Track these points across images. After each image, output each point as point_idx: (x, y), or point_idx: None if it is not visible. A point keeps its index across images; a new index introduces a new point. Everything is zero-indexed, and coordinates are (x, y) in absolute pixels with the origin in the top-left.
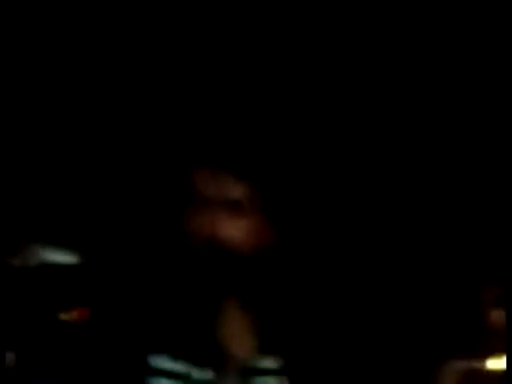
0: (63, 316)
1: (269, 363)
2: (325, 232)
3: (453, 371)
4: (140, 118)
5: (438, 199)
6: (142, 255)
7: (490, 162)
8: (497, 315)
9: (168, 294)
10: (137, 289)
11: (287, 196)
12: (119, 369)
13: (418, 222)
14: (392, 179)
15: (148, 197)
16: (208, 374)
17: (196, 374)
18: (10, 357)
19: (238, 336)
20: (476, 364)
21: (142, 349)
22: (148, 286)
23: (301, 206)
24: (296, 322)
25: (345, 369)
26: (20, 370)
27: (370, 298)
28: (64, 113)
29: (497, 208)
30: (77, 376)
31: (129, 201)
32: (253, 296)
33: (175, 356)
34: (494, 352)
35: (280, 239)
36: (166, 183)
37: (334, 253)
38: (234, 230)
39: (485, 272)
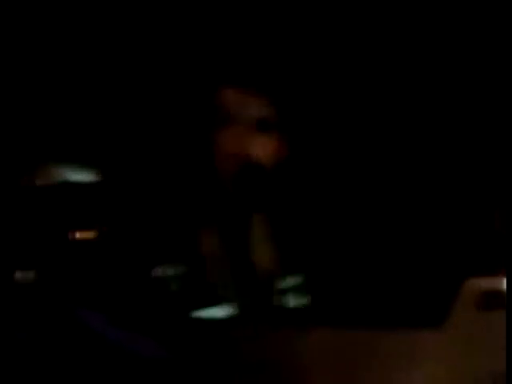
0: (78, 234)
1: (291, 281)
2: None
3: (470, 290)
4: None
5: None
6: (162, 175)
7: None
8: None
9: (190, 213)
10: (155, 208)
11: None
12: (130, 286)
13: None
14: None
15: (174, 117)
16: (231, 292)
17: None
18: (29, 275)
19: (263, 253)
20: (495, 283)
21: (153, 264)
22: (167, 204)
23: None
24: (316, 239)
25: (361, 287)
26: (39, 288)
27: (383, 213)
28: None
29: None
30: (90, 293)
31: (154, 121)
32: (276, 212)
33: (193, 272)
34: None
35: (293, 155)
36: (192, 104)
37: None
38: (261, 147)
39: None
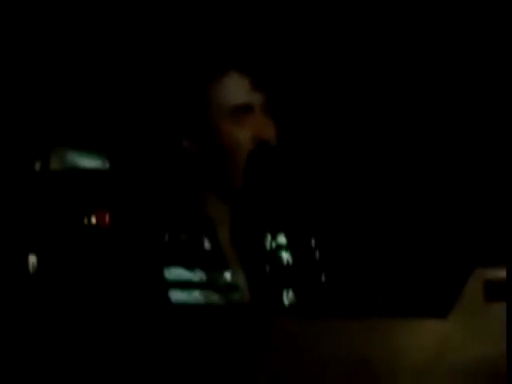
0: (85, 219)
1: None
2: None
3: (478, 279)
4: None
5: None
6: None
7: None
8: None
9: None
10: (161, 195)
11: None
12: (136, 278)
13: None
14: None
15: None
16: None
17: (211, 279)
18: (32, 259)
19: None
20: (502, 273)
21: (158, 260)
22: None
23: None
24: (325, 230)
25: (368, 277)
26: (42, 273)
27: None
28: None
29: None
30: (94, 280)
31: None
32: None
33: (191, 266)
34: None
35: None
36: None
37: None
38: (272, 130)
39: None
